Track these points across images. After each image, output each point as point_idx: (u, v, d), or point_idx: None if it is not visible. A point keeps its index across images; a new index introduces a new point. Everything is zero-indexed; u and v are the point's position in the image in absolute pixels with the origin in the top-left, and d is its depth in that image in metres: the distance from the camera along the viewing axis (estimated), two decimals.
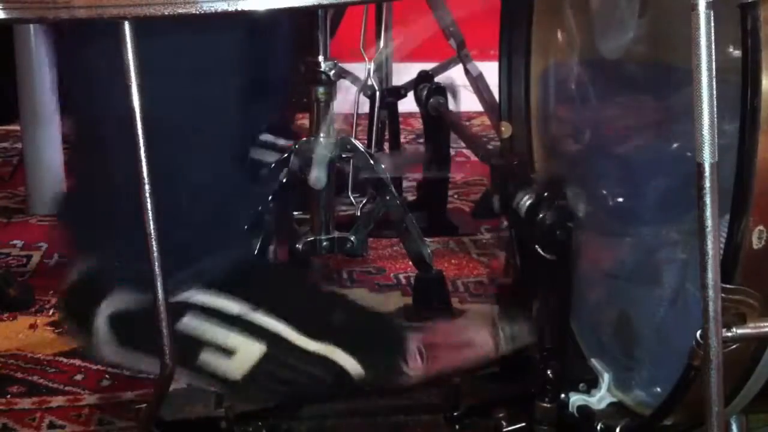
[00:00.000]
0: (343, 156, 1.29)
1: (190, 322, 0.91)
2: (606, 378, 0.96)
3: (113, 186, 0.89)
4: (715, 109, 0.63)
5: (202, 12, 0.65)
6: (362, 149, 1.30)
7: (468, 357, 0.98)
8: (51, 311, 1.35)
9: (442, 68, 1.78)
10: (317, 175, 1.21)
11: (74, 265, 0.97)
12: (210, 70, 0.89)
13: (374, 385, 0.95)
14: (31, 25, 1.72)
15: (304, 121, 1.31)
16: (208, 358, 0.92)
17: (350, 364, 0.93)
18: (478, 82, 1.71)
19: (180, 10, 0.65)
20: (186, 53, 0.86)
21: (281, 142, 1.29)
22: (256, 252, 1.11)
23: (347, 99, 1.49)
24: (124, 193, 0.82)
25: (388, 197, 1.30)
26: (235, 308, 0.92)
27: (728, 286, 0.71)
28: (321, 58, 1.26)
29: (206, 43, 0.86)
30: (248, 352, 0.92)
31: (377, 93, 1.65)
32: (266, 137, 1.26)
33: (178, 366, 0.83)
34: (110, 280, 0.93)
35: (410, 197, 1.69)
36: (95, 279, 0.95)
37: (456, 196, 1.85)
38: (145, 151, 0.70)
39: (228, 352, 0.92)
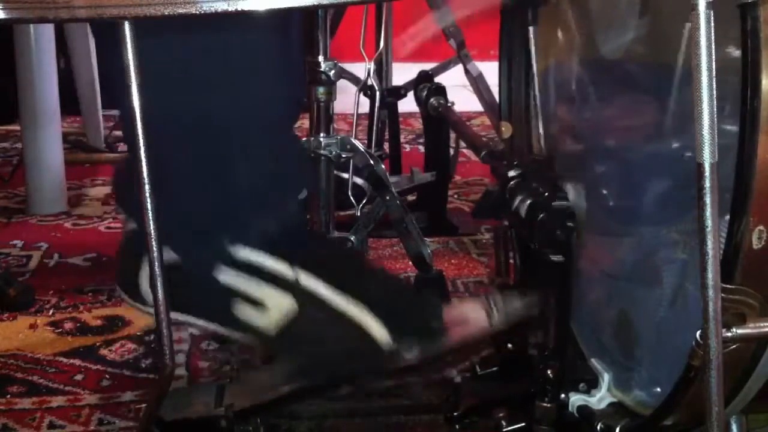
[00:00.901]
0: (343, 156, 1.29)
1: (229, 274, 0.94)
2: (606, 378, 0.96)
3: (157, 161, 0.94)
4: (715, 109, 0.63)
5: (202, 12, 0.65)
6: (362, 149, 1.30)
7: (465, 335, 0.98)
8: (51, 311, 1.35)
9: (442, 68, 1.78)
10: None
11: (125, 228, 1.03)
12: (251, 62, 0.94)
13: (397, 358, 0.96)
14: (31, 25, 1.72)
15: (304, 121, 1.31)
16: (243, 310, 0.94)
17: (381, 333, 0.94)
18: (478, 82, 1.72)
19: (180, 10, 0.65)
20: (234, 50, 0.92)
21: None
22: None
23: (347, 99, 1.49)
24: (167, 169, 0.87)
25: (388, 197, 1.30)
26: (275, 265, 0.95)
27: (728, 286, 0.71)
28: (321, 58, 1.26)
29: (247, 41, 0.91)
30: (283, 307, 0.94)
31: (377, 93, 1.65)
32: None
33: (218, 318, 0.93)
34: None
35: (410, 197, 1.69)
36: (139, 242, 0.98)
37: (456, 196, 1.85)
38: (145, 151, 0.70)
39: (263, 306, 0.94)
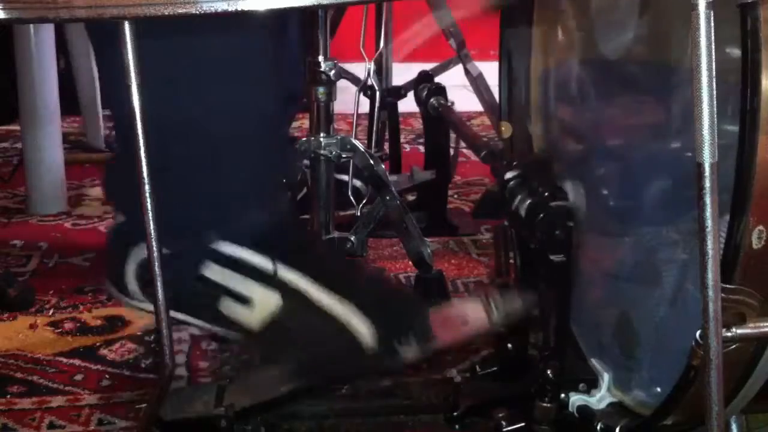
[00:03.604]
0: (343, 156, 1.29)
1: (215, 269, 0.95)
2: (606, 378, 0.96)
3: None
4: (715, 109, 0.63)
5: (202, 12, 0.65)
6: (362, 149, 1.30)
7: (465, 332, 0.98)
8: (51, 311, 1.35)
9: (442, 68, 1.78)
10: None
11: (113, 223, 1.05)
12: (245, 62, 0.94)
13: (380, 359, 0.95)
14: (31, 25, 1.72)
15: (304, 121, 1.31)
16: (228, 305, 0.94)
17: (364, 333, 0.93)
18: (478, 82, 1.72)
19: (180, 10, 0.65)
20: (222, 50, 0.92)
21: None
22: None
23: (347, 99, 1.49)
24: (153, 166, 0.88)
25: (388, 197, 1.30)
26: (261, 261, 0.95)
27: (728, 286, 0.71)
28: (321, 58, 1.26)
29: (239, 42, 0.91)
30: (267, 303, 0.94)
31: (377, 93, 1.65)
32: None
33: (196, 315, 0.94)
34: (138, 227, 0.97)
35: (410, 197, 1.69)
36: (126, 233, 1.01)
37: (456, 196, 1.85)
38: (145, 151, 0.70)
39: (248, 301, 0.94)
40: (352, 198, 1.32)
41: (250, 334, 0.95)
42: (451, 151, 1.69)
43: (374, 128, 1.70)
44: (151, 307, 0.98)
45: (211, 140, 0.93)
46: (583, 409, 0.95)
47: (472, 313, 0.98)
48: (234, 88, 0.94)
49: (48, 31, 1.80)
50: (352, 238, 1.30)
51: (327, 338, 0.95)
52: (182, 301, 0.96)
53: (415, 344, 0.95)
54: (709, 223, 0.64)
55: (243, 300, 0.95)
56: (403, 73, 1.77)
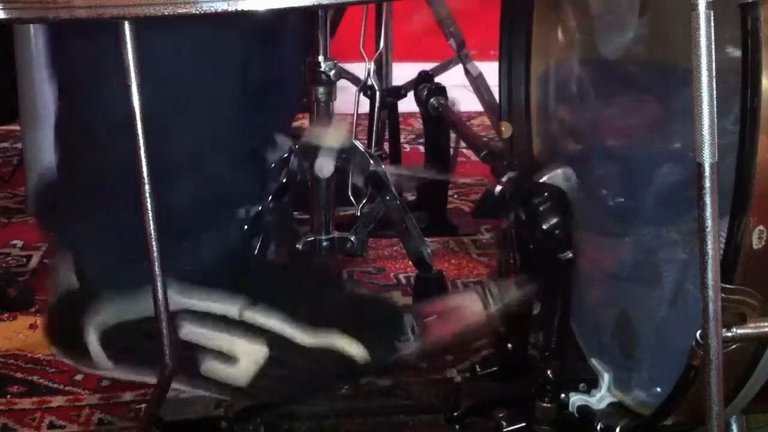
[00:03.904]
0: (344, 156, 1.29)
1: (191, 330, 0.90)
2: (606, 378, 0.96)
3: (106, 186, 0.89)
4: (715, 109, 0.63)
5: (202, 12, 0.65)
6: (362, 149, 1.30)
7: (462, 323, 0.98)
8: None
9: (442, 68, 1.78)
10: (322, 163, 1.20)
11: (58, 274, 0.95)
12: (217, 66, 0.88)
13: (381, 365, 0.94)
14: (31, 25, 1.72)
15: (304, 121, 1.31)
16: (211, 365, 0.91)
17: (354, 349, 0.92)
18: (478, 82, 1.71)
19: (180, 10, 0.65)
20: (193, 50, 0.86)
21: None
22: (254, 250, 1.10)
23: (347, 99, 1.49)
24: (117, 193, 0.83)
25: (388, 197, 1.29)
26: (232, 310, 0.91)
27: (728, 286, 0.71)
28: (321, 58, 1.26)
29: (216, 41, 0.86)
30: (251, 356, 0.91)
31: (377, 93, 1.65)
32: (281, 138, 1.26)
33: (181, 375, 0.84)
34: (96, 292, 0.92)
35: (410, 197, 1.69)
36: (80, 292, 0.94)
37: (456, 196, 1.85)
38: (145, 151, 0.70)
39: (231, 358, 0.91)
40: (352, 198, 1.32)
41: (239, 391, 0.92)
42: (451, 151, 1.69)
43: (374, 128, 1.70)
44: (132, 373, 0.95)
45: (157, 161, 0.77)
46: (584, 409, 0.95)
47: (468, 305, 0.97)
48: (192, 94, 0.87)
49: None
50: (352, 238, 1.30)
51: (317, 369, 0.93)
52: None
53: (410, 342, 0.94)
54: (709, 223, 0.64)
55: (225, 357, 0.91)
56: (403, 73, 1.77)
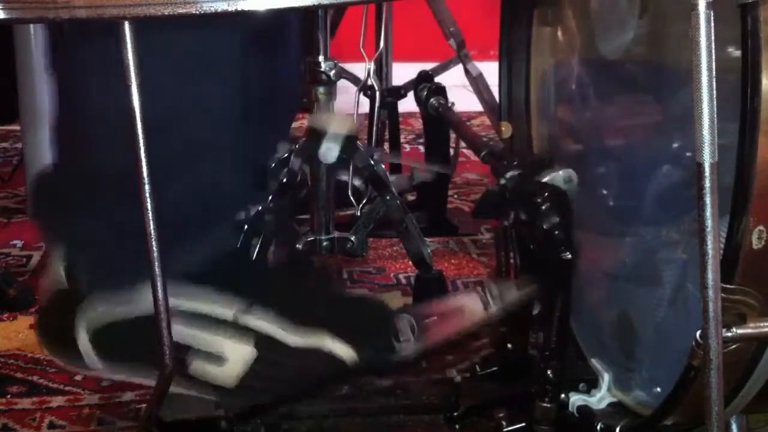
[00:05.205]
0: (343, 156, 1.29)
1: (180, 331, 0.89)
2: (606, 378, 0.96)
3: (102, 186, 0.89)
4: (715, 109, 0.63)
5: (202, 12, 0.65)
6: (362, 149, 1.30)
7: (462, 323, 0.97)
8: None
9: (442, 68, 1.78)
10: (327, 147, 1.20)
11: (50, 274, 0.95)
12: (214, 70, 0.88)
13: (369, 366, 0.94)
14: (31, 25, 1.72)
15: (304, 121, 1.31)
16: (200, 366, 0.91)
17: (342, 350, 0.92)
18: (478, 82, 1.71)
19: (180, 10, 0.65)
20: (190, 52, 0.86)
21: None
22: (254, 250, 1.10)
23: (347, 99, 1.49)
24: (114, 193, 0.83)
25: (388, 197, 1.30)
26: (222, 311, 0.91)
27: (728, 286, 0.71)
28: (321, 58, 1.26)
29: (213, 43, 0.86)
30: (239, 357, 0.91)
31: (377, 93, 1.65)
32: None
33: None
34: (88, 292, 0.92)
35: (410, 197, 1.69)
36: (72, 291, 0.93)
37: (456, 196, 1.85)
38: (145, 151, 0.70)
39: (219, 359, 0.91)
40: (352, 198, 1.32)
41: (227, 392, 0.92)
42: (451, 151, 1.69)
43: (374, 128, 1.70)
44: (123, 373, 0.95)
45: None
46: (584, 409, 0.95)
47: (468, 305, 0.97)
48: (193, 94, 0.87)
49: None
50: (352, 238, 1.30)
51: (306, 369, 0.93)
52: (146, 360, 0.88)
53: (410, 342, 0.94)
54: (709, 223, 0.64)
55: (214, 358, 0.91)
56: (403, 73, 1.77)
